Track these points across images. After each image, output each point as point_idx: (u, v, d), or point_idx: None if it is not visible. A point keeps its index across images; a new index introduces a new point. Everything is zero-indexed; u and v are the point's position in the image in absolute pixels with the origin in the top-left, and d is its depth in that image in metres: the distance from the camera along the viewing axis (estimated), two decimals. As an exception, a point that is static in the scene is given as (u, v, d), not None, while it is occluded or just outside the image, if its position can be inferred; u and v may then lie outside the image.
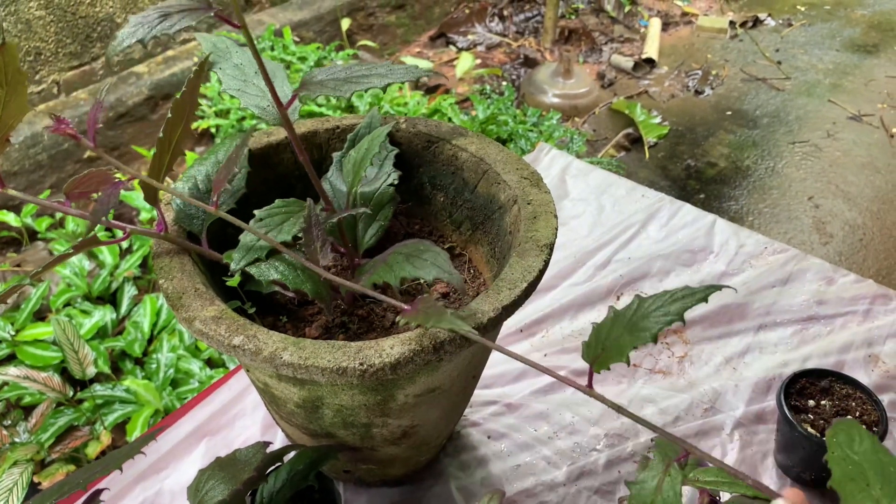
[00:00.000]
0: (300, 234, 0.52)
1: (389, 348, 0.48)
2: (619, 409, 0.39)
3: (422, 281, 0.66)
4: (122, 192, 1.69)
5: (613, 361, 0.39)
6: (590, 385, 0.39)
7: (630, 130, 2.41)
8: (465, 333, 0.42)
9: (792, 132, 2.44)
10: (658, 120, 2.46)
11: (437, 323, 0.42)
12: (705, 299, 0.39)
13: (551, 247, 0.56)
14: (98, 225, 0.51)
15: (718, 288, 0.39)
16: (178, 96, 0.52)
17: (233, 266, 0.53)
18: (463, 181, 0.67)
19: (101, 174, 0.54)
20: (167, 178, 0.64)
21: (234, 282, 0.56)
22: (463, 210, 0.68)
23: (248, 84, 0.58)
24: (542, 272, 0.54)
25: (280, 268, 0.53)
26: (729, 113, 2.54)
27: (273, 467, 0.58)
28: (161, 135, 0.53)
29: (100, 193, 0.52)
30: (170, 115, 0.53)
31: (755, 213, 2.08)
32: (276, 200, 0.55)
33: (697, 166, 2.28)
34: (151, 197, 0.55)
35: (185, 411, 0.77)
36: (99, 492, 0.53)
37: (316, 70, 0.55)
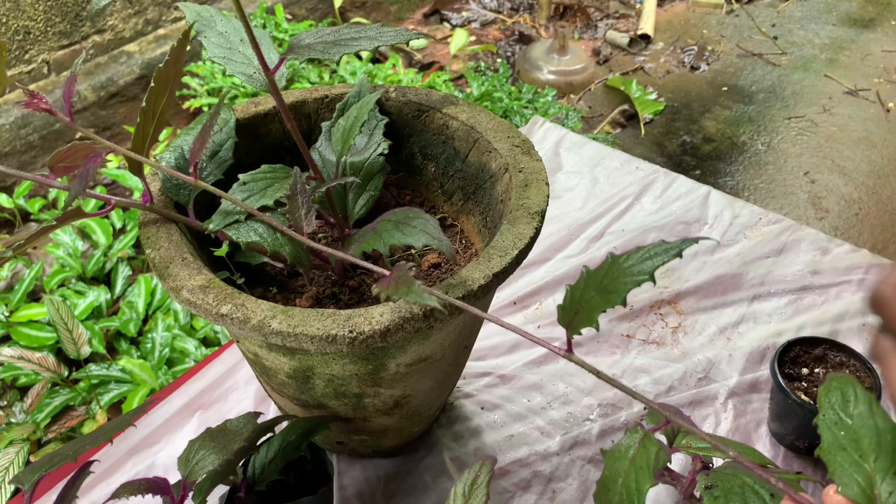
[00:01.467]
0: (284, 200, 0.52)
1: (379, 316, 0.48)
2: (598, 374, 0.38)
3: (413, 251, 0.65)
4: (115, 171, 1.68)
5: (584, 326, 0.37)
6: (569, 349, 0.38)
7: (626, 107, 2.40)
8: (431, 305, 0.40)
9: (788, 107, 2.42)
10: (654, 96, 2.45)
11: (404, 294, 0.41)
12: (679, 255, 0.36)
13: (543, 214, 0.56)
14: (79, 198, 0.51)
15: (694, 241, 0.36)
16: (161, 66, 0.52)
17: (211, 227, 0.53)
18: (454, 150, 0.67)
19: (86, 147, 0.53)
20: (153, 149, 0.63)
21: (221, 251, 0.56)
22: (454, 180, 0.68)
23: (234, 52, 0.57)
24: (533, 239, 0.54)
25: (259, 230, 0.52)
26: (725, 89, 2.53)
27: (265, 438, 0.58)
28: (144, 105, 0.52)
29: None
30: (153, 84, 0.52)
31: (751, 188, 2.08)
32: (263, 166, 0.55)
33: (693, 142, 2.27)
34: (136, 168, 0.54)
35: (178, 385, 0.77)
36: (89, 463, 0.52)
37: (303, 33, 0.54)
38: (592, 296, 0.36)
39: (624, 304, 0.35)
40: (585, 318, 0.37)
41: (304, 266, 0.55)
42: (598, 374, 0.39)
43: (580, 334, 0.37)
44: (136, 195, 1.67)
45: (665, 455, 0.54)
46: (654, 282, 0.35)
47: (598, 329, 0.35)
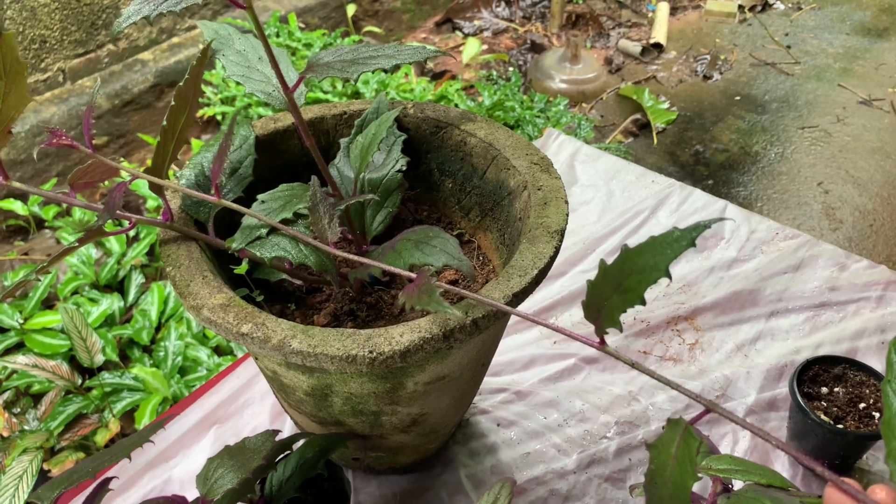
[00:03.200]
0: (306, 213, 0.52)
1: (399, 336, 0.47)
2: (634, 365, 0.37)
3: (431, 268, 0.65)
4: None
5: (608, 327, 0.36)
6: (601, 342, 0.38)
7: (638, 116, 2.39)
8: (446, 313, 0.41)
9: (801, 117, 2.41)
10: (666, 105, 2.44)
11: (426, 304, 0.41)
12: (693, 243, 0.33)
13: (562, 233, 0.55)
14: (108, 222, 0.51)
15: (707, 225, 0.33)
16: (181, 84, 0.52)
17: (234, 246, 0.53)
18: (472, 167, 0.67)
19: (104, 165, 0.53)
20: (174, 165, 0.64)
21: (241, 269, 0.56)
22: (472, 196, 0.68)
23: (252, 70, 0.57)
24: (552, 259, 0.54)
25: (282, 243, 0.52)
26: (738, 98, 2.52)
27: (282, 455, 0.58)
28: (165, 123, 0.53)
29: (107, 184, 0.52)
30: (173, 102, 0.52)
31: (764, 198, 2.07)
32: (280, 185, 0.55)
33: (706, 152, 2.26)
34: (156, 187, 0.54)
35: (194, 399, 0.77)
36: (108, 480, 0.52)
37: (322, 52, 0.54)
38: (611, 295, 0.35)
39: (643, 302, 0.34)
40: (608, 318, 0.36)
41: (332, 274, 0.54)
42: (632, 364, 0.38)
43: (606, 333, 0.37)
44: (150, 203, 1.68)
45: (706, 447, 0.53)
46: (670, 277, 0.33)
47: (620, 330, 0.35)
